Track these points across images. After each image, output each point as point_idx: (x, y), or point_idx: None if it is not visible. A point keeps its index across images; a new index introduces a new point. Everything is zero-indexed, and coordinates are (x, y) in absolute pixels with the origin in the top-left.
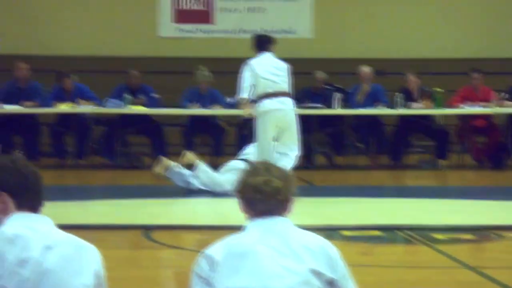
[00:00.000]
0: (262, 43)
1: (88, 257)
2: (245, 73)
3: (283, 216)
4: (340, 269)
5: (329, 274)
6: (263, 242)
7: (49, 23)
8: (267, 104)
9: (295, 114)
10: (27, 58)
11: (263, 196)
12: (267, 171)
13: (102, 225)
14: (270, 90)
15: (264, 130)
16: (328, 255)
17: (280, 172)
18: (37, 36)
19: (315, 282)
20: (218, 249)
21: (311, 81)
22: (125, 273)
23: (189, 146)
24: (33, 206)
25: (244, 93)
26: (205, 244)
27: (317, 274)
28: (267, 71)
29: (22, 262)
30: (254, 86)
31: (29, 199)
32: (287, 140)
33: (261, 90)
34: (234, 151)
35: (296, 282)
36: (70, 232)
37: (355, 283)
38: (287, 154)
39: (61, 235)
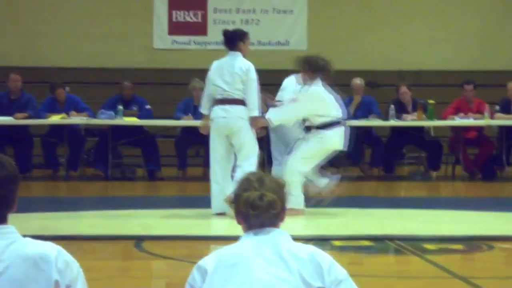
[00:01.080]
0: (227, 40)
1: (45, 271)
2: (206, 82)
3: (277, 227)
4: (331, 276)
5: (318, 283)
6: (256, 253)
7: (42, 34)
8: (213, 112)
9: (247, 121)
10: (19, 70)
11: (257, 211)
12: (260, 184)
13: (94, 236)
14: (219, 97)
15: (212, 139)
16: (318, 264)
17: (273, 183)
18: (30, 48)
19: None
20: (210, 260)
21: None
22: (117, 284)
23: (182, 158)
24: None
25: (201, 108)
26: (198, 254)
27: (307, 284)
28: (219, 77)
29: None
30: (210, 95)
31: None
32: (238, 149)
33: (214, 97)
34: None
35: None
36: (61, 244)
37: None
38: (241, 166)
39: (15, 252)
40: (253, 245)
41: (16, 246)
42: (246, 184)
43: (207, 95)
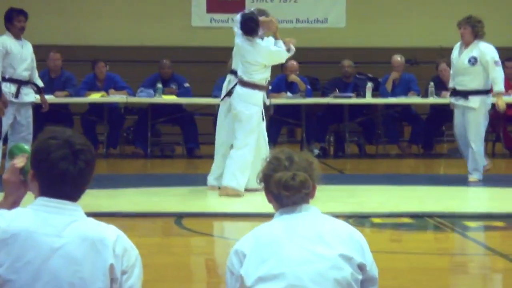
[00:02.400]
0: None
1: (102, 254)
2: None
3: (308, 204)
4: (368, 256)
5: (360, 259)
6: (291, 230)
7: (82, 13)
8: None
9: (248, 103)
10: (59, 48)
11: (290, 192)
12: (291, 163)
13: (134, 213)
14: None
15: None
16: (358, 242)
17: (303, 161)
18: (70, 26)
19: (346, 266)
20: (246, 242)
21: (341, 71)
22: (158, 260)
23: None
24: (63, 194)
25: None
26: (235, 232)
27: (348, 259)
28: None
29: (16, 266)
30: None
31: (59, 188)
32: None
33: None
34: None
35: (326, 267)
36: (101, 221)
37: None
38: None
39: (76, 231)
40: (288, 223)
41: (78, 225)
42: (275, 163)
43: None
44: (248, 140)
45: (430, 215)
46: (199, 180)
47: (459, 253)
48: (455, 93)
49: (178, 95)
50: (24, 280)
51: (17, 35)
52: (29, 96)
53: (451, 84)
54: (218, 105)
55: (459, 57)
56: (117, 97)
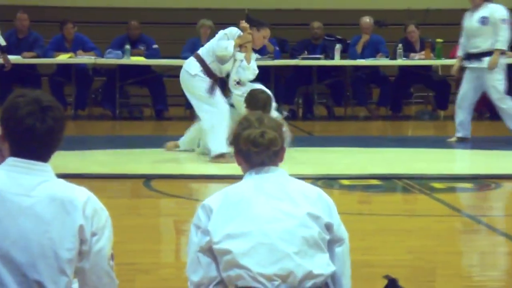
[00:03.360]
0: None
1: (71, 215)
2: None
3: (277, 166)
4: (335, 216)
5: (327, 219)
6: (260, 190)
7: None
8: None
9: (189, 75)
10: (27, 9)
11: (259, 149)
12: (260, 123)
13: (102, 175)
14: None
15: None
16: (325, 202)
17: (272, 122)
18: None
19: (313, 225)
20: (215, 198)
21: (310, 33)
22: (126, 222)
23: None
24: (32, 154)
25: None
26: (205, 193)
27: (315, 218)
28: None
29: None
30: None
31: (27, 147)
32: None
33: None
34: None
35: (294, 224)
36: (71, 182)
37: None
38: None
39: (45, 191)
40: (256, 183)
41: (47, 185)
42: (245, 123)
43: None
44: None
45: (398, 177)
46: (168, 141)
47: (427, 215)
48: (468, 56)
49: (146, 56)
50: None
51: None
52: None
53: (460, 53)
54: None
55: (470, 19)
56: (85, 58)
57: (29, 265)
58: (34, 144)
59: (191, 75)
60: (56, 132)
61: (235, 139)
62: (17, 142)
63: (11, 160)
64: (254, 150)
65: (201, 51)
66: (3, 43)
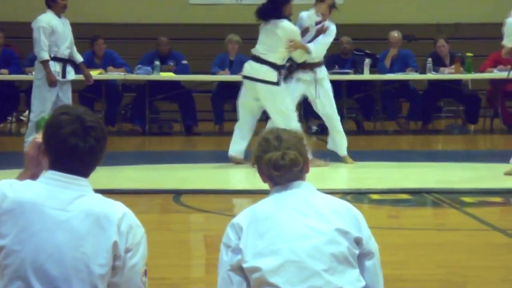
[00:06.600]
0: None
1: (106, 230)
2: None
3: (303, 180)
4: (365, 230)
5: (356, 233)
6: (287, 206)
7: None
8: None
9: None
10: None
11: (281, 172)
12: (279, 142)
13: (132, 190)
14: None
15: None
16: (354, 216)
17: (292, 138)
18: (68, 3)
19: (342, 241)
20: (243, 216)
21: (339, 47)
22: (156, 237)
23: (219, 112)
24: (72, 170)
25: None
26: (234, 208)
27: (344, 233)
28: None
29: (22, 236)
30: None
31: (68, 164)
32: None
33: None
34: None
35: (322, 241)
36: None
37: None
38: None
39: (82, 206)
40: (283, 199)
41: (84, 200)
42: (265, 144)
43: None
44: None
45: (428, 191)
46: (197, 157)
47: (457, 229)
48: None
49: (176, 72)
50: (29, 251)
51: (59, 13)
52: (71, 74)
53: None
54: (216, 82)
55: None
56: (115, 74)
57: (62, 279)
58: (75, 162)
59: None
60: (98, 151)
61: (257, 162)
62: (58, 159)
63: (50, 173)
64: (275, 173)
65: None
66: (80, 59)
